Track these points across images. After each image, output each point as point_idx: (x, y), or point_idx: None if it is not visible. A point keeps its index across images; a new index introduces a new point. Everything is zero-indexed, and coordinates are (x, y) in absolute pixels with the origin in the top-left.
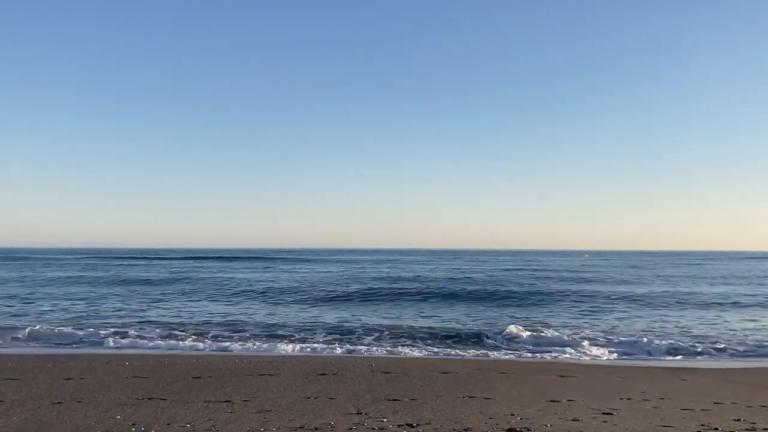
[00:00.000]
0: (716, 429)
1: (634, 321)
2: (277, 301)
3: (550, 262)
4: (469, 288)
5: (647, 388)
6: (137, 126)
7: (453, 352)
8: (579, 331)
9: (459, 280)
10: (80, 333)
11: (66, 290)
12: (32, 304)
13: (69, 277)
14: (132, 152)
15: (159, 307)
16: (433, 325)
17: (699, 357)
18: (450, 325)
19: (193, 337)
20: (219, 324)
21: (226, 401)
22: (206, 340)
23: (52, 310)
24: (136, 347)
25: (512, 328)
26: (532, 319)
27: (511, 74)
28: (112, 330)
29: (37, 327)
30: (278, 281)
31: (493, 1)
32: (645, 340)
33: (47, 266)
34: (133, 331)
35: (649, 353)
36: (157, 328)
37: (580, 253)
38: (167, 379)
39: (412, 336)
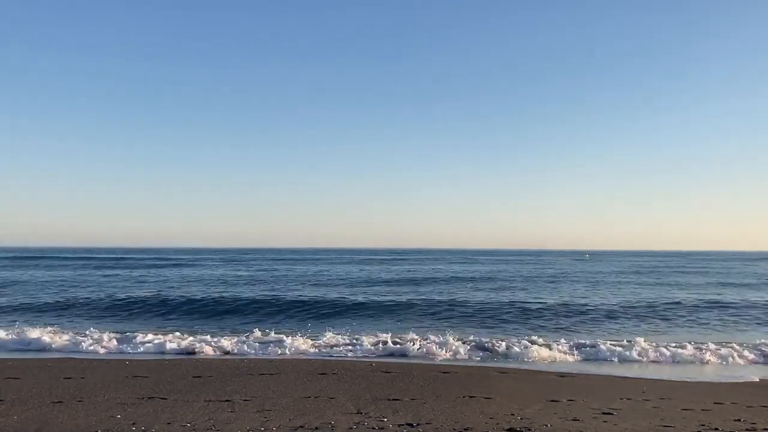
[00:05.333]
0: (716, 429)
1: None
2: None
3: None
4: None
5: (647, 388)
6: (138, 131)
7: None
8: None
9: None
10: None
11: None
12: None
13: None
14: (135, 155)
15: None
16: None
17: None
18: None
19: None
20: None
21: (226, 401)
22: None
23: None
24: None
25: None
26: None
27: (511, 75)
28: None
29: None
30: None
31: (493, 6)
32: None
33: None
34: None
35: None
36: None
37: (580, 253)
38: (167, 379)
39: None
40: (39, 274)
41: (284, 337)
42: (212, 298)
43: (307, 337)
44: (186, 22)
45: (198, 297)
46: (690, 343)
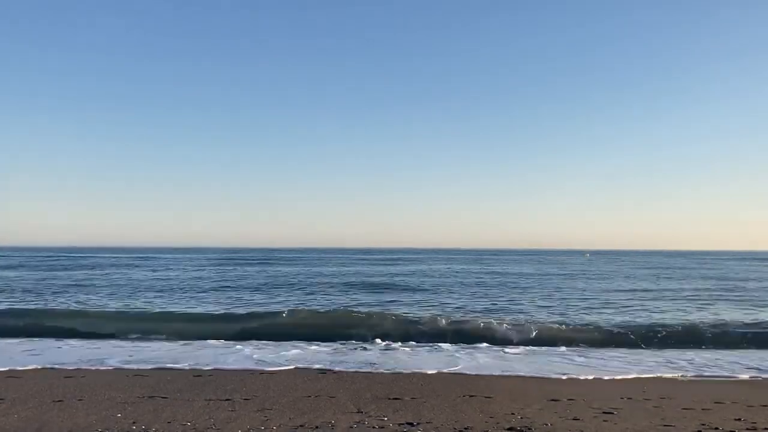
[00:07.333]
0: (717, 428)
1: None
2: None
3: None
4: None
5: (648, 388)
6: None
7: None
8: None
9: None
10: None
11: None
12: None
13: None
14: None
15: None
16: None
17: None
18: None
19: None
20: None
21: (226, 400)
22: None
23: None
24: None
25: None
26: None
27: (511, 75)
28: None
29: None
30: None
31: (493, 6)
32: None
33: None
34: None
35: None
36: None
37: (580, 253)
38: (168, 378)
39: None
40: None
41: None
42: None
43: None
44: (185, 21)
45: None
46: None
